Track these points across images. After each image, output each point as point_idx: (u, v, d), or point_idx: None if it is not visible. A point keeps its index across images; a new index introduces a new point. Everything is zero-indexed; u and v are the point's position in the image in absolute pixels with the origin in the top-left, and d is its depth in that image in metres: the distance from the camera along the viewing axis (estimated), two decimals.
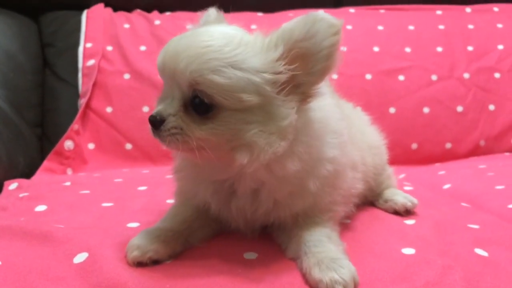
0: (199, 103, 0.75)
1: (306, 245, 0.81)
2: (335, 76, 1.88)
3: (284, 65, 0.75)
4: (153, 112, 0.78)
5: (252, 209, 0.85)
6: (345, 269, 0.74)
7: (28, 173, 1.64)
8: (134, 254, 0.80)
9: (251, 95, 0.74)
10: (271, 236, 0.91)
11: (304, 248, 0.81)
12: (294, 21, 0.75)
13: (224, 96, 0.73)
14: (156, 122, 0.77)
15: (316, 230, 0.84)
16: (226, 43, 0.75)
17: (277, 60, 0.75)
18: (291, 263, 0.82)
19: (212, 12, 0.89)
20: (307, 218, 0.87)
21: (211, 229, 0.92)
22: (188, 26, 0.86)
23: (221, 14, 0.90)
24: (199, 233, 0.90)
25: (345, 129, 0.92)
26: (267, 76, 0.74)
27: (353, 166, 0.95)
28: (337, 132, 0.88)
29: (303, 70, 0.75)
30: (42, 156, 1.81)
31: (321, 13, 0.74)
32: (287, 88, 0.76)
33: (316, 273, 0.74)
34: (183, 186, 0.94)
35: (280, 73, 0.75)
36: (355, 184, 0.97)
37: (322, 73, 0.76)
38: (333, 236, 0.85)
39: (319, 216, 0.88)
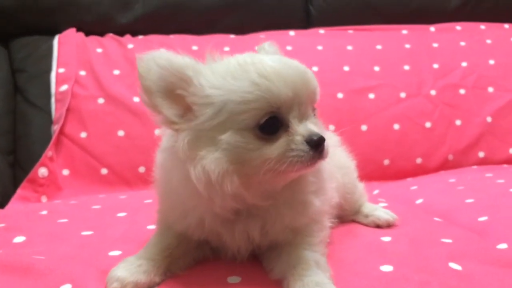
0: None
1: (294, 268, 0.82)
2: None
3: None
4: (313, 134, 0.82)
5: (268, 228, 0.87)
6: None
7: (1, 202, 1.61)
8: (113, 286, 0.80)
9: None
10: (252, 259, 0.92)
11: (292, 270, 0.82)
12: None
13: None
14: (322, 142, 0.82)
15: (306, 254, 0.86)
16: None
17: None
18: (276, 285, 0.83)
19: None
20: (304, 236, 0.89)
21: (193, 257, 0.92)
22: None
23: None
24: (180, 261, 0.90)
25: None
26: None
27: (329, 176, 0.98)
28: None
29: None
30: (14, 184, 1.77)
31: None
32: None
33: None
34: (178, 220, 0.90)
35: None
36: (333, 194, 1.01)
37: None
38: (321, 261, 0.86)
39: (313, 236, 0.90)
